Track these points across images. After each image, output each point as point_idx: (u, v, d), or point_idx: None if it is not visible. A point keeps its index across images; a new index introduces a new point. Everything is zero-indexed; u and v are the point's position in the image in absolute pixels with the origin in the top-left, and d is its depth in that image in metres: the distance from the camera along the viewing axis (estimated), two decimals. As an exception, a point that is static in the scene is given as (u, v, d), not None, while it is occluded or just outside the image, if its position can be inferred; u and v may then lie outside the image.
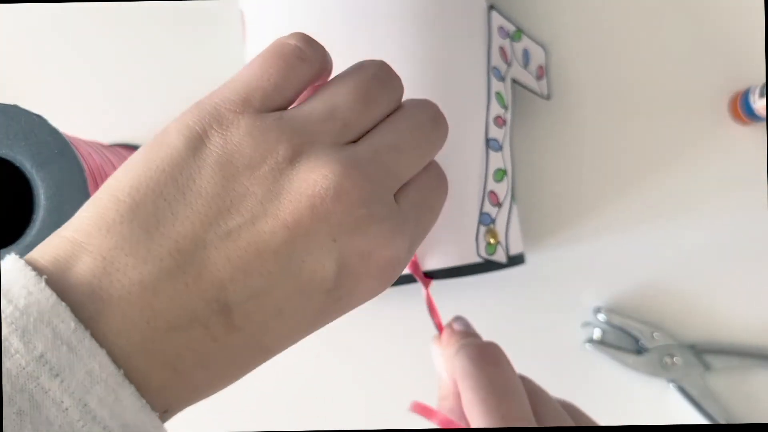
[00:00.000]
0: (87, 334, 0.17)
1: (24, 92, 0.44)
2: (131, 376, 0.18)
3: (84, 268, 0.18)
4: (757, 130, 0.44)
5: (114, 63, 0.44)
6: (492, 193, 0.35)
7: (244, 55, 0.37)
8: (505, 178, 0.35)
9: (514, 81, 0.38)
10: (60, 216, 0.27)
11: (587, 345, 0.43)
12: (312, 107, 0.22)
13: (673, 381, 0.43)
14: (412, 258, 0.31)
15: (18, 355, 0.16)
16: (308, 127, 0.21)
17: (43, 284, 0.17)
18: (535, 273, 0.43)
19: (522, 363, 0.43)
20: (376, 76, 0.23)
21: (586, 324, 0.43)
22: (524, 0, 0.44)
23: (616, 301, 0.43)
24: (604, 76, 0.45)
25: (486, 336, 0.36)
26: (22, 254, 0.19)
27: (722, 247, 0.44)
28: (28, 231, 0.27)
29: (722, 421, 0.42)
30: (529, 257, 0.41)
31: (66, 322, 0.17)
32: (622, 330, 0.43)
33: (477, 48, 0.35)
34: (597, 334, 0.43)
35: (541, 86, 0.41)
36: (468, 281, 0.38)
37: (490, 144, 0.35)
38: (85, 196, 0.27)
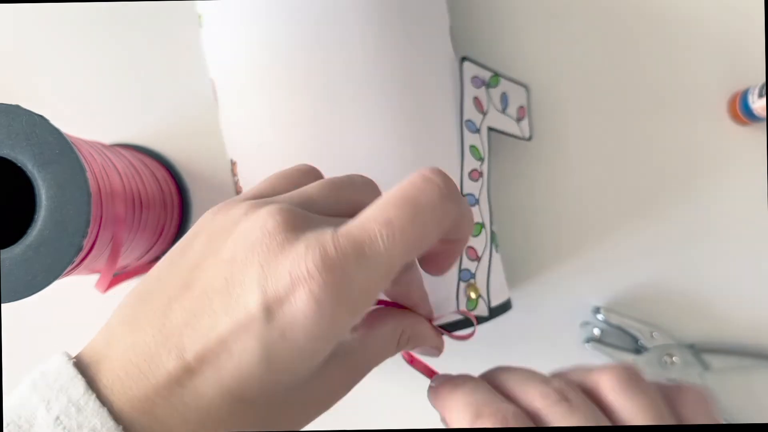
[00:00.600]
0: (93, 397, 0.20)
1: (26, 92, 0.44)
2: (125, 425, 0.20)
3: (94, 343, 0.23)
4: (756, 131, 0.44)
5: (115, 63, 0.44)
6: (470, 248, 0.34)
7: (219, 122, 0.37)
8: (482, 231, 0.35)
9: (491, 129, 0.37)
10: (62, 216, 0.27)
11: (586, 344, 0.43)
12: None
13: (672, 380, 0.43)
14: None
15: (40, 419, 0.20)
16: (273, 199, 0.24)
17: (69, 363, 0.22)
18: (535, 273, 0.43)
19: (521, 362, 0.44)
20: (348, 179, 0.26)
21: (585, 324, 0.43)
22: (504, 42, 0.44)
23: (615, 300, 0.43)
24: (599, 76, 0.45)
25: (485, 336, 0.37)
26: (23, 253, 0.24)
27: (721, 247, 0.44)
28: (29, 231, 0.28)
29: (721, 421, 0.42)
30: (528, 256, 0.41)
31: (78, 387, 0.21)
32: (621, 329, 0.43)
33: (448, 103, 0.35)
34: (596, 333, 0.43)
35: (522, 127, 0.40)
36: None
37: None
38: (87, 196, 0.28)
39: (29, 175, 0.28)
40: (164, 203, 0.40)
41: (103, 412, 0.20)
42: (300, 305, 0.20)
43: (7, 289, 0.27)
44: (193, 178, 0.44)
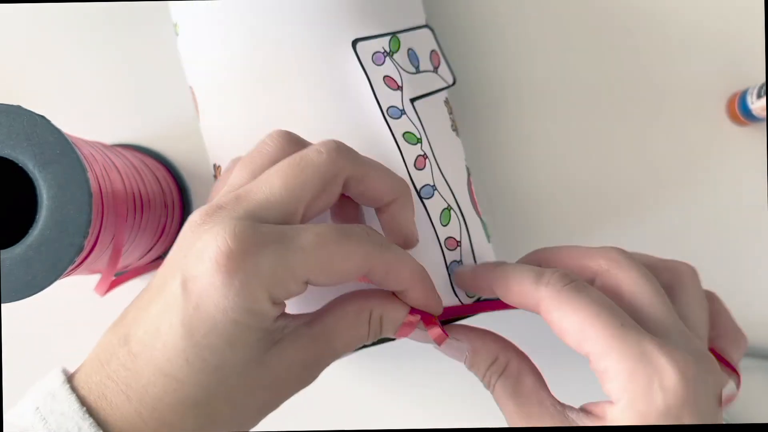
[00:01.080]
0: (66, 387, 0.24)
1: (27, 93, 0.44)
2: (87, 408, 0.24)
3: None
4: (754, 131, 0.44)
5: (116, 63, 0.44)
6: (448, 239, 0.33)
7: (201, 129, 0.37)
8: (452, 214, 0.33)
9: (413, 99, 0.34)
10: (62, 216, 0.27)
11: None
12: None
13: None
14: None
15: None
16: None
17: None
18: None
19: (530, 347, 0.44)
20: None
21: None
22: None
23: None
24: (597, 79, 0.45)
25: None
26: (24, 253, 0.27)
27: (720, 247, 0.44)
28: (30, 231, 0.28)
29: (721, 421, 0.42)
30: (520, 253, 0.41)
31: (55, 381, 0.25)
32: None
33: (362, 101, 0.33)
34: None
35: (443, 75, 0.36)
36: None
37: (422, 193, 0.32)
38: (88, 196, 0.28)
39: (30, 175, 0.28)
40: (165, 203, 0.40)
41: (72, 399, 0.23)
42: (207, 277, 0.23)
43: (7, 289, 0.27)
44: (193, 177, 0.44)
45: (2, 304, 0.28)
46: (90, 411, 0.23)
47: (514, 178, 0.44)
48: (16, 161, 0.28)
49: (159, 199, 0.39)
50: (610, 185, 0.45)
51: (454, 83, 0.37)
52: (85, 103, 0.44)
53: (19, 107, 0.28)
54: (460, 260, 0.33)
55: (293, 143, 0.28)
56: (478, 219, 0.35)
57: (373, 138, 0.32)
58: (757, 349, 0.43)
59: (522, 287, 0.28)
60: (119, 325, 0.25)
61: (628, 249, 0.44)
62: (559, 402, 0.28)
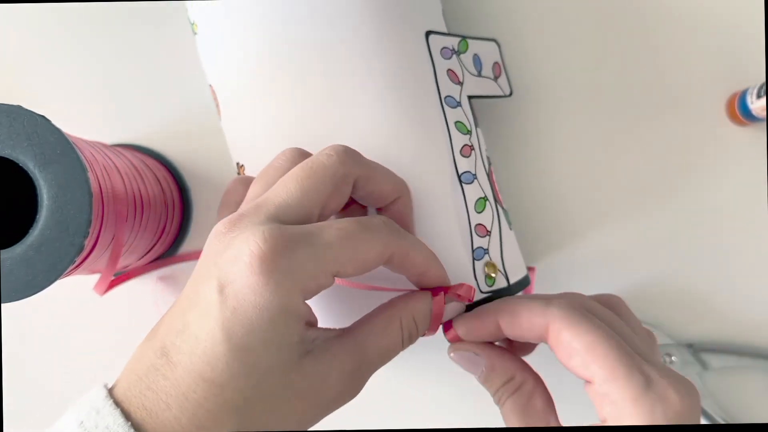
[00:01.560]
0: (109, 401, 0.24)
1: (27, 93, 0.44)
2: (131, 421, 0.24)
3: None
4: (754, 131, 0.44)
5: (116, 64, 0.44)
6: (479, 225, 0.34)
7: (222, 126, 0.37)
8: (487, 204, 0.34)
9: (471, 97, 0.37)
10: (63, 216, 0.27)
11: None
12: None
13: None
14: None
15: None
16: None
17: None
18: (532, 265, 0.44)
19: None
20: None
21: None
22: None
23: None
24: (597, 79, 0.45)
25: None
26: (24, 253, 0.27)
27: (720, 247, 0.44)
28: (31, 231, 0.28)
29: (720, 421, 0.42)
30: (526, 256, 0.41)
31: (99, 395, 0.25)
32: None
33: (424, 86, 0.34)
34: None
35: (501, 85, 0.39)
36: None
37: (463, 178, 0.34)
38: (88, 196, 0.28)
39: (30, 175, 0.28)
40: (165, 203, 0.40)
41: (116, 413, 0.23)
42: (244, 279, 0.24)
43: (8, 288, 0.28)
44: (194, 177, 0.44)
45: (2, 304, 0.28)
46: (133, 424, 0.23)
47: (515, 176, 0.44)
48: (17, 161, 0.28)
49: (159, 199, 0.39)
50: (609, 185, 0.44)
51: (510, 94, 0.40)
52: (86, 103, 0.44)
53: (19, 107, 0.28)
54: (487, 248, 0.34)
55: (304, 156, 0.29)
56: (503, 209, 0.37)
57: (424, 123, 0.34)
58: (756, 348, 0.44)
59: (532, 312, 0.29)
60: (153, 339, 0.25)
61: (628, 250, 0.44)
62: (564, 426, 0.30)
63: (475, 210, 0.34)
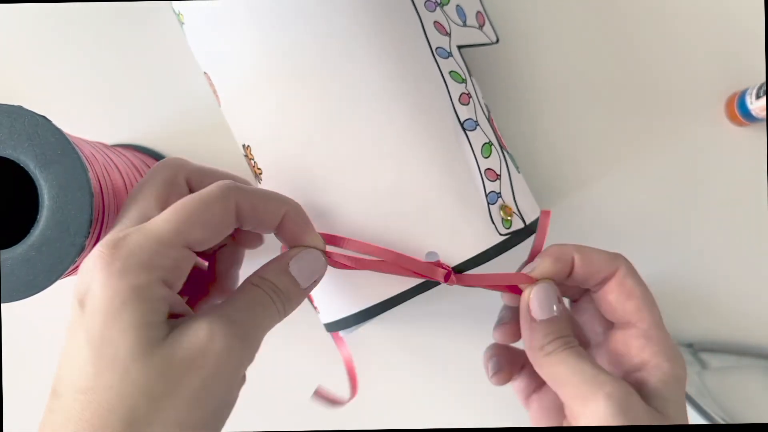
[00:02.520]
0: None
1: (28, 93, 0.44)
2: None
3: None
4: (753, 131, 0.44)
5: (116, 64, 0.44)
6: (488, 170, 0.34)
7: (222, 112, 0.38)
8: (492, 149, 0.35)
9: (460, 47, 0.38)
10: (63, 216, 0.27)
11: None
12: None
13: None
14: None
15: None
16: None
17: None
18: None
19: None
20: None
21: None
22: None
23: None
24: (595, 78, 0.45)
25: (486, 331, 0.37)
26: (25, 253, 0.27)
27: (720, 247, 0.44)
28: (32, 231, 0.28)
29: (719, 420, 0.42)
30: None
31: None
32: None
33: (415, 40, 0.35)
34: None
35: (487, 33, 0.40)
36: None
37: (465, 126, 0.35)
38: (89, 196, 0.28)
39: (31, 175, 0.28)
40: (165, 203, 0.40)
41: None
42: (92, 281, 0.24)
43: (8, 288, 0.28)
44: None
45: (3, 304, 0.28)
46: None
47: (515, 122, 0.44)
48: (18, 161, 0.28)
49: (159, 199, 0.39)
50: (609, 184, 0.45)
51: (497, 41, 0.40)
52: (86, 104, 0.44)
53: (20, 108, 0.28)
54: (500, 192, 0.34)
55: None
56: (508, 153, 0.37)
57: (421, 76, 0.34)
58: (756, 348, 0.44)
59: (604, 256, 0.31)
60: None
61: (626, 250, 0.44)
62: (564, 427, 0.31)
63: (483, 155, 0.34)
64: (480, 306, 0.44)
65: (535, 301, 0.31)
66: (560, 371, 0.29)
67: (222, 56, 0.35)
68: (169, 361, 0.24)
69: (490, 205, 0.34)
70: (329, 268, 0.31)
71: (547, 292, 0.31)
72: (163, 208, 0.27)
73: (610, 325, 0.32)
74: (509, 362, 0.34)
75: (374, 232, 0.32)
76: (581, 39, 0.45)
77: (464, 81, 0.36)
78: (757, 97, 0.42)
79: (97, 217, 0.28)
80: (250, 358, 0.26)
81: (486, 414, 0.44)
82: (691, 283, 0.44)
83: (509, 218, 0.34)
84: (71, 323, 0.25)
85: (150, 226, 0.26)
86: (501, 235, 0.33)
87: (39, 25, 0.45)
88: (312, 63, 0.33)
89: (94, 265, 0.24)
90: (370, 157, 0.33)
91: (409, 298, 0.33)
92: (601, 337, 0.33)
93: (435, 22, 0.36)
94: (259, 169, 0.36)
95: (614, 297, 0.31)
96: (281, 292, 0.28)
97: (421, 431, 0.44)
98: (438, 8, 0.37)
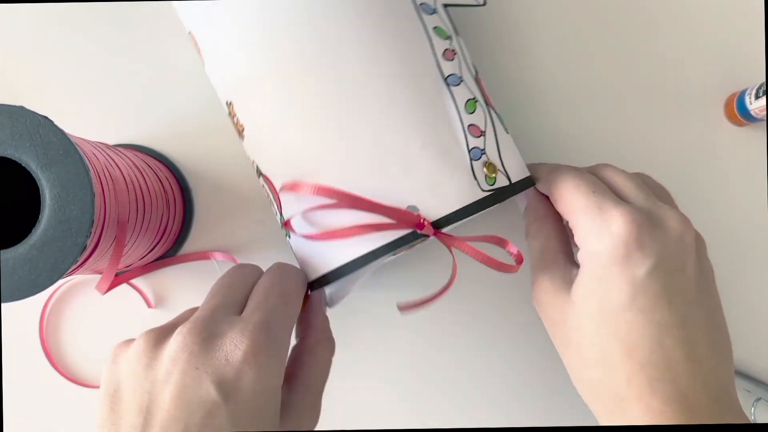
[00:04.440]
0: None
1: (29, 93, 0.44)
2: None
3: None
4: (752, 132, 0.44)
5: (118, 63, 0.45)
6: (471, 126, 0.34)
7: (207, 75, 0.38)
8: (477, 105, 0.35)
9: (446, 6, 0.38)
10: (65, 215, 0.28)
11: None
12: None
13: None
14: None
15: None
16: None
17: None
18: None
19: (524, 358, 0.44)
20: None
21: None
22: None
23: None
24: (594, 77, 0.45)
25: (487, 323, 0.36)
26: (27, 252, 0.28)
27: (719, 247, 0.44)
28: (33, 231, 0.28)
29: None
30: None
31: None
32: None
33: (389, 3, 0.35)
34: None
35: None
36: (474, 270, 0.38)
37: (449, 81, 0.34)
38: (90, 195, 0.28)
39: (33, 175, 0.28)
40: (167, 203, 0.40)
41: None
42: (243, 373, 0.27)
43: (10, 288, 0.28)
44: (196, 178, 0.44)
45: (4, 303, 0.28)
46: None
47: (505, 85, 0.44)
48: (19, 161, 0.28)
49: (161, 199, 0.39)
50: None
51: (484, 4, 0.41)
52: (88, 104, 0.44)
53: (22, 108, 0.28)
54: (484, 149, 0.34)
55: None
56: (496, 113, 0.37)
57: (404, 29, 0.34)
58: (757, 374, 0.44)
59: (542, 172, 0.35)
60: None
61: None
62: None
63: (467, 110, 0.34)
64: (485, 313, 0.44)
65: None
66: (531, 253, 0.36)
67: (206, 12, 0.35)
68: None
69: (473, 161, 0.33)
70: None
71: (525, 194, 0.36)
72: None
73: None
74: None
75: (354, 186, 0.32)
76: (581, 39, 0.45)
77: (449, 38, 0.36)
78: (756, 97, 0.42)
79: (98, 217, 0.29)
80: None
81: (486, 414, 0.44)
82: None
83: (493, 175, 0.34)
84: (207, 406, 0.26)
85: (280, 314, 0.31)
86: (483, 191, 0.33)
87: (40, 26, 0.45)
88: (297, 16, 0.33)
89: (245, 357, 0.27)
90: (350, 111, 0.33)
91: (387, 253, 0.32)
92: None
93: None
94: (241, 125, 0.36)
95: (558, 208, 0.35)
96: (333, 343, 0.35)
97: (421, 431, 0.44)
98: None
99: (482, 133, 0.34)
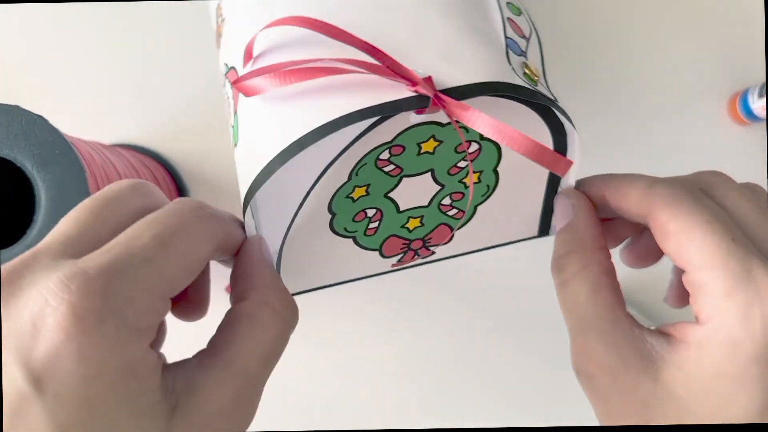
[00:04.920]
0: None
1: (25, 93, 0.44)
2: None
3: None
4: (755, 130, 0.44)
5: (115, 64, 0.44)
6: (510, 20, 0.27)
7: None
8: (522, 13, 0.29)
9: None
10: (61, 216, 0.27)
11: None
12: None
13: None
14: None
15: None
16: None
17: None
18: (535, 268, 0.43)
19: (530, 351, 0.44)
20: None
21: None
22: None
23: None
24: (597, 77, 0.45)
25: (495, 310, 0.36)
26: (22, 253, 0.20)
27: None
28: (29, 231, 0.27)
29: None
30: (525, 255, 0.41)
31: None
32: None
33: None
34: None
35: None
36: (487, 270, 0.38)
37: None
38: (86, 195, 0.27)
39: (29, 175, 0.28)
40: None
41: None
42: (58, 350, 0.17)
43: (6, 289, 0.27)
44: (192, 177, 0.44)
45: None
46: None
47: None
48: (15, 161, 0.28)
49: (158, 199, 0.39)
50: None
51: None
52: (84, 103, 0.44)
53: (17, 107, 0.28)
54: (525, 51, 0.27)
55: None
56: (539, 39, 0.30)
57: None
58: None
59: (637, 189, 0.25)
60: None
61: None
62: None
63: (510, 10, 0.28)
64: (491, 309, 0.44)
65: (556, 210, 0.27)
66: (566, 299, 0.25)
67: None
68: None
69: (509, 50, 0.26)
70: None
71: (560, 198, 0.26)
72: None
73: None
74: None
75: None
76: (583, 38, 0.45)
77: None
78: (760, 96, 0.41)
79: (94, 217, 0.28)
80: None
81: (486, 414, 0.44)
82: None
83: (535, 78, 0.26)
84: (12, 400, 0.17)
85: (135, 265, 0.19)
86: (518, 76, 0.24)
87: (37, 25, 0.44)
88: None
89: (61, 324, 0.17)
90: None
91: (365, 119, 0.21)
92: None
93: None
94: (222, 31, 0.31)
95: (657, 239, 0.24)
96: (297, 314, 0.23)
97: (421, 431, 0.44)
98: None
99: (524, 36, 0.27)
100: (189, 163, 0.44)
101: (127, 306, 0.18)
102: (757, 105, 0.42)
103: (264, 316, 0.22)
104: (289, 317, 0.23)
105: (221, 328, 0.22)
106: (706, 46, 0.45)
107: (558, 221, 0.26)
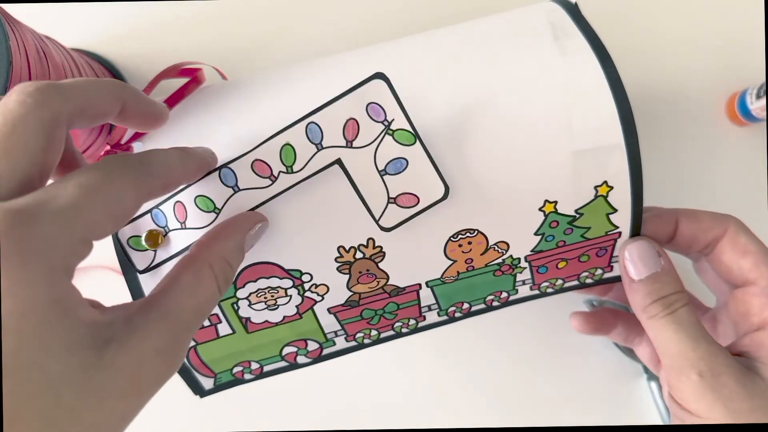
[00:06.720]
0: None
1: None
2: None
3: None
4: (754, 131, 0.44)
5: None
6: None
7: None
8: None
9: None
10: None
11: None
12: None
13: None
14: None
15: None
16: None
17: None
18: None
19: (530, 351, 0.42)
20: None
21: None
22: None
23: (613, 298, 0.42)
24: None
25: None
26: None
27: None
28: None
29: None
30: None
31: None
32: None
33: None
34: (595, 303, 0.42)
35: None
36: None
37: None
38: (7, 64, 0.23)
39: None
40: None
41: None
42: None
43: None
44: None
45: None
46: None
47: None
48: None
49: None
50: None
51: None
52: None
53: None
54: None
55: None
56: None
57: None
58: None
59: (712, 215, 0.30)
60: None
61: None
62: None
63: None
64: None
65: (629, 260, 0.29)
66: (659, 338, 0.28)
67: None
68: (108, 386, 0.20)
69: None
70: None
71: (641, 247, 0.29)
72: (43, 173, 0.21)
73: (732, 286, 0.31)
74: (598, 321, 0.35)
75: None
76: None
77: None
78: (758, 97, 0.41)
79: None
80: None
81: (486, 415, 0.43)
82: (691, 284, 0.43)
83: None
84: None
85: (58, 210, 0.20)
86: None
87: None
88: None
89: None
90: None
91: None
92: (727, 296, 0.31)
93: None
94: None
95: (728, 257, 0.29)
96: (230, 280, 0.25)
97: (421, 431, 0.43)
98: None
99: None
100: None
101: (50, 248, 0.19)
102: (755, 106, 0.41)
103: (205, 277, 0.24)
104: (223, 288, 0.25)
105: (168, 276, 0.24)
106: (703, 47, 0.44)
107: (632, 272, 0.29)
